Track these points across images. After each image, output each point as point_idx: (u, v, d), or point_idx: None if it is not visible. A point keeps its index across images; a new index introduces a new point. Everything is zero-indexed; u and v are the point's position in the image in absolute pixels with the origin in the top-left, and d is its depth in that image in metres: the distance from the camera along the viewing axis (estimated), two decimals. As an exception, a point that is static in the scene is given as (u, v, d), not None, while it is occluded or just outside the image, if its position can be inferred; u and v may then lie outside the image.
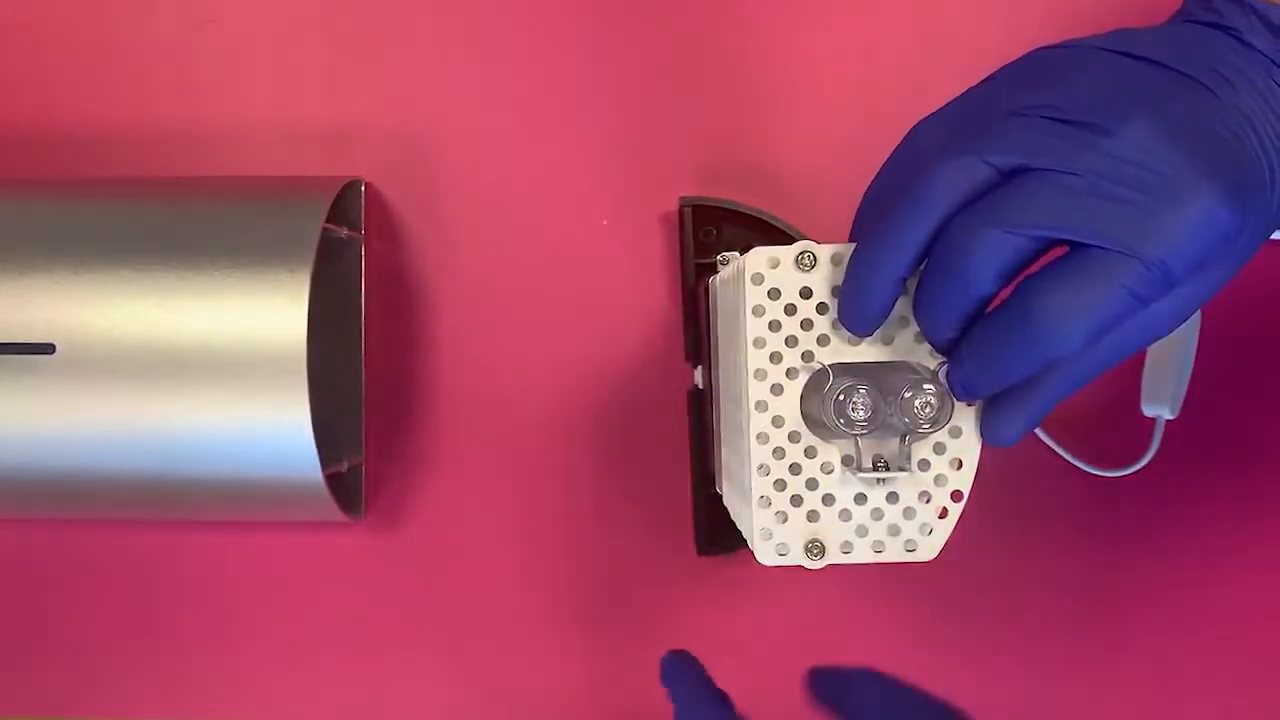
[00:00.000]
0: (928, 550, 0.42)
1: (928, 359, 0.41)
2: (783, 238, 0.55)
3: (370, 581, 0.59)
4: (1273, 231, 0.38)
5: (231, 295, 0.50)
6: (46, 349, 0.50)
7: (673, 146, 0.58)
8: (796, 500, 0.42)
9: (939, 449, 0.42)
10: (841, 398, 0.40)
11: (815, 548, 0.42)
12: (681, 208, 0.56)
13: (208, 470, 0.51)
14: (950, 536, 0.42)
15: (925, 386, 0.40)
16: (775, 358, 0.41)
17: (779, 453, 0.42)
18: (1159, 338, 0.38)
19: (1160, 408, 0.54)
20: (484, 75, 0.58)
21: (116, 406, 0.50)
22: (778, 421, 0.42)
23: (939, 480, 0.42)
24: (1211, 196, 0.34)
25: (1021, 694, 0.57)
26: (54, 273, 0.51)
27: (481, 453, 0.58)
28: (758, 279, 0.41)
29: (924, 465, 0.42)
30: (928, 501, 0.42)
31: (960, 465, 0.42)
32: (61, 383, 0.50)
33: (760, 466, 0.42)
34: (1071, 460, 0.56)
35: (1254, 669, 0.56)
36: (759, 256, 0.41)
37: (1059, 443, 0.56)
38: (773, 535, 0.42)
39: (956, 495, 0.42)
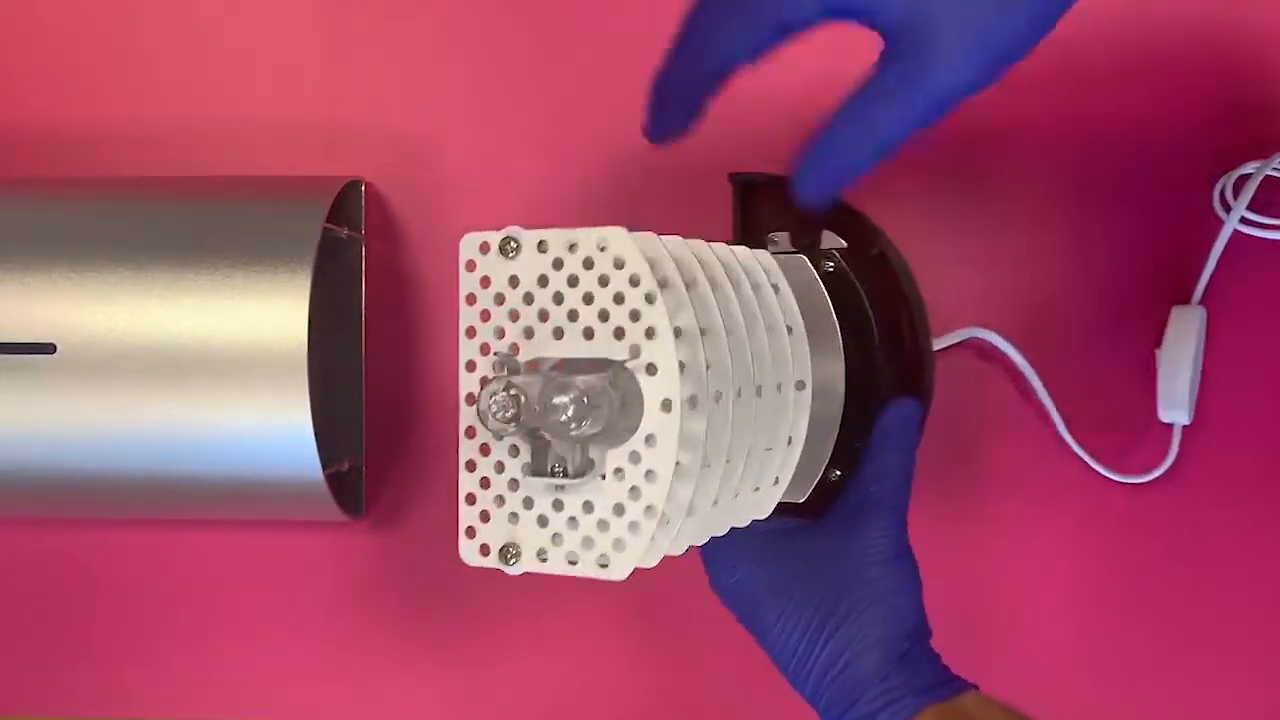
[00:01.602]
0: (619, 568, 0.37)
1: (626, 354, 0.37)
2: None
3: (370, 581, 0.59)
4: None
5: (231, 295, 0.50)
6: (46, 349, 0.50)
7: (674, 146, 0.57)
8: (500, 500, 0.39)
9: (634, 458, 0.37)
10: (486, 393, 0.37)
11: (511, 552, 0.38)
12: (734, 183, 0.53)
13: (208, 470, 0.51)
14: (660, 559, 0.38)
15: (567, 383, 0.36)
16: (484, 350, 0.39)
17: (485, 449, 0.39)
18: (958, 90, 0.37)
19: (1177, 413, 0.54)
20: (483, 75, 0.58)
21: (116, 406, 0.50)
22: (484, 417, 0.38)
23: (633, 492, 0.37)
24: None
25: (1045, 696, 0.57)
26: (54, 273, 0.51)
27: (482, 453, 0.58)
28: (470, 266, 0.39)
29: (619, 474, 0.37)
30: (621, 514, 0.37)
31: (654, 477, 0.37)
32: (61, 383, 0.50)
33: (467, 462, 0.39)
34: (1096, 467, 0.55)
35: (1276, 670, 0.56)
36: (470, 241, 0.39)
37: (1085, 449, 0.55)
38: (476, 534, 0.39)
39: (650, 511, 0.36)
